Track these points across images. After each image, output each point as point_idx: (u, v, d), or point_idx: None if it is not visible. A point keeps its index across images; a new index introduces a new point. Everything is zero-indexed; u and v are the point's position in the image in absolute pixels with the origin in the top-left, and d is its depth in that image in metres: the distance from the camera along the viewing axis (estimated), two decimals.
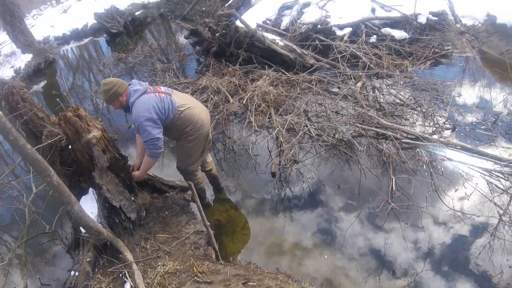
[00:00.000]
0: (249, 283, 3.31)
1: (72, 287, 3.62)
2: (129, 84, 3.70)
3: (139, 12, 15.69)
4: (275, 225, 4.51)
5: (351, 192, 4.72)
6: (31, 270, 4.44)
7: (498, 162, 4.98)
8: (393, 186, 4.58)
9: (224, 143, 5.91)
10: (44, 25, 20.89)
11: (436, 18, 7.51)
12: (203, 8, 12.33)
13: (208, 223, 3.82)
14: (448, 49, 7.15)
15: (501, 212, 4.31)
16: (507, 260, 3.86)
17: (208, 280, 3.43)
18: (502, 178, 4.84)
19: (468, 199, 4.56)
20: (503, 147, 5.20)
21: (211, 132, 4.55)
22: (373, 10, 7.60)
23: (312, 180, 4.97)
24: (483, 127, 5.65)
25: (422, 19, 7.39)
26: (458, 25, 7.83)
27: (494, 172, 4.88)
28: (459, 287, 3.72)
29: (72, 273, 3.79)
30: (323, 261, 4.04)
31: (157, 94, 3.70)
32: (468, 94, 6.17)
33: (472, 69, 7.14)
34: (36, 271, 4.54)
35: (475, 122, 5.76)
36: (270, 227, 4.49)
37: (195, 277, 3.45)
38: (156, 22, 15.03)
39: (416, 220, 4.31)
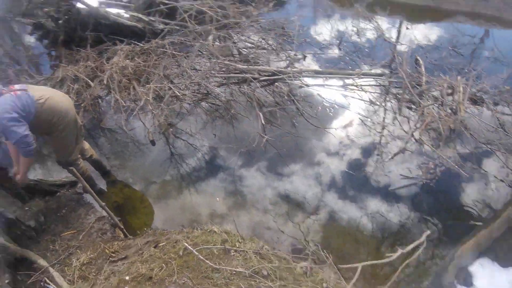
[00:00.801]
0: (160, 244, 3.57)
1: None
2: None
3: None
4: (170, 188, 4.78)
5: (228, 137, 5.11)
6: None
7: (349, 76, 5.71)
8: (262, 121, 5.05)
9: (98, 128, 5.90)
10: None
11: None
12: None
13: (103, 203, 3.99)
14: None
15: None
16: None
17: (122, 256, 3.64)
18: (356, 89, 5.58)
19: (331, 114, 5.23)
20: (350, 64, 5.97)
21: (81, 119, 4.56)
22: None
23: (191, 137, 5.27)
24: (330, 50, 6.36)
25: None
26: None
27: (348, 86, 5.61)
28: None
29: None
30: (218, 204, 4.42)
31: (12, 93, 3.62)
32: (311, 25, 6.84)
33: (310, 2, 7.88)
34: None
35: (323, 47, 6.45)
36: (167, 191, 4.75)
37: (110, 258, 3.64)
38: None
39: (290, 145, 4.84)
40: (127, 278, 3.18)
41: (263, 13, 7.10)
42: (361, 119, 5.22)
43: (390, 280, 3.36)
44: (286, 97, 5.46)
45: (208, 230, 3.65)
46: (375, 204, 4.35)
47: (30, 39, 9.62)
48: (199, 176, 4.90)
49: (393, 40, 6.75)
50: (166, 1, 7.39)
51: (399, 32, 7.26)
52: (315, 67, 6.02)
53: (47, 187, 4.64)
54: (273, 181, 4.66)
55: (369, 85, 5.70)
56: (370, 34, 6.93)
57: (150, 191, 4.83)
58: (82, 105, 5.98)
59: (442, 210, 4.35)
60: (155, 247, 3.54)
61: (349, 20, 7.30)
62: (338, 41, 6.55)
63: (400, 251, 3.59)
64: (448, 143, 4.99)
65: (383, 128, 5.13)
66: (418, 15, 8.22)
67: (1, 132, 3.63)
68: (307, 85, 5.52)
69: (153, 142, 5.25)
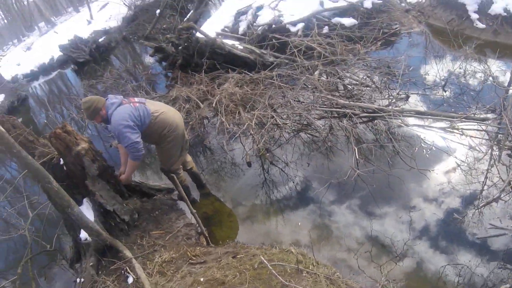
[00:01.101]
0: (238, 256, 3.84)
1: None
2: (106, 99, 4.23)
3: (102, 39, 16.27)
4: (259, 208, 5.05)
5: (322, 169, 5.29)
6: (39, 284, 4.89)
7: (451, 119, 5.64)
8: (356, 155, 5.17)
9: (201, 145, 6.46)
10: (10, 64, 21.27)
11: (381, 1, 8.25)
12: (164, 26, 12.92)
13: (194, 210, 4.40)
14: (396, 28, 7.89)
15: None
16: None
17: (202, 260, 3.96)
18: (456, 132, 5.49)
19: (427, 156, 5.20)
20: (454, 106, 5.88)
21: (187, 134, 5.10)
22: (321, 3, 8.28)
23: (285, 164, 5.54)
24: (434, 91, 6.33)
25: (367, 4, 8.12)
26: (403, 4, 8.59)
27: (448, 129, 5.53)
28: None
29: (78, 280, 4.27)
30: (300, 229, 4.60)
31: (131, 104, 4.23)
32: (419, 65, 6.88)
33: (420, 42, 7.91)
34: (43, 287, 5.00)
35: (427, 88, 6.45)
36: (254, 212, 5.03)
37: (190, 260, 3.97)
38: (120, 45, 15.61)
39: (382, 182, 4.90)
40: (201, 279, 3.49)
41: (370, 52, 7.27)
42: (457, 164, 5.10)
43: None
44: (384, 135, 5.53)
45: (286, 250, 3.84)
46: (464, 256, 4.20)
47: (150, 60, 10.80)
48: (288, 205, 5.05)
49: (502, 84, 6.51)
50: (278, 36, 7.94)
51: (508, 76, 6.98)
52: (418, 107, 6.02)
53: (146, 190, 5.20)
54: (362, 220, 4.61)
55: (471, 129, 5.56)
56: (478, 77, 6.76)
57: (238, 210, 5.14)
58: (190, 123, 6.61)
59: None
60: (233, 257, 3.80)
61: (457, 61, 7.18)
62: (443, 83, 6.48)
63: None
64: None
65: (486, 177, 4.95)
66: None
67: (116, 136, 4.21)
68: (407, 125, 5.51)
69: (249, 164, 5.63)
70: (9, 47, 35.69)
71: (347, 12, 8.09)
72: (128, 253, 4.13)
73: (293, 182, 5.29)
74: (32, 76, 17.50)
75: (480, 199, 4.63)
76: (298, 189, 5.22)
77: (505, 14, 7.99)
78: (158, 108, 4.43)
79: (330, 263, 4.04)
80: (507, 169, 4.85)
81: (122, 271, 4.04)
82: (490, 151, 5.22)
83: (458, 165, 5.05)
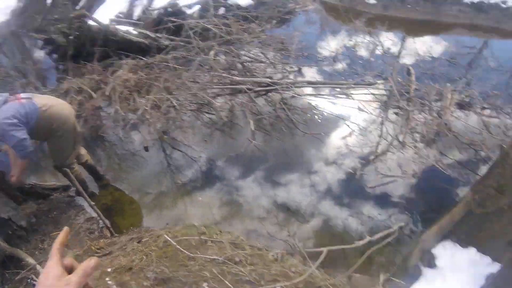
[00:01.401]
0: (143, 240, 3.76)
1: None
2: None
3: None
4: (165, 194, 4.93)
5: (220, 142, 5.31)
6: None
7: (341, 86, 5.98)
8: (252, 127, 5.24)
9: (96, 136, 6.12)
10: None
11: None
12: (56, 16, 12.04)
13: (93, 203, 4.23)
14: (290, 6, 8.08)
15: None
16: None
17: (107, 252, 3.83)
18: (346, 97, 5.83)
19: (319, 121, 5.43)
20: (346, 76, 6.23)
21: (80, 127, 4.81)
22: None
23: (184, 144, 5.45)
24: (326, 63, 6.62)
25: None
26: None
27: (338, 95, 5.85)
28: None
29: None
30: (210, 208, 4.56)
31: (17, 101, 3.89)
32: (313, 40, 7.12)
33: (314, 19, 8.20)
34: None
35: (319, 60, 6.72)
36: (162, 198, 4.90)
37: (95, 254, 3.80)
38: (9, 41, 14.34)
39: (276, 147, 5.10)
40: (109, 270, 3.34)
41: (265, 30, 7.37)
42: (348, 126, 5.42)
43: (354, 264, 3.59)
44: (278, 106, 5.66)
45: (189, 225, 3.85)
46: (364, 206, 4.51)
47: (40, 53, 10.04)
48: (195, 186, 5.02)
49: (388, 52, 7.02)
50: (174, 19, 7.73)
51: (396, 45, 7.54)
52: (310, 79, 6.25)
53: (41, 190, 4.87)
54: (269, 190, 4.76)
55: (360, 94, 5.94)
56: (367, 48, 7.21)
57: (144, 199, 4.97)
58: (83, 114, 6.22)
59: (425, 206, 4.56)
60: (138, 242, 3.70)
61: (348, 35, 7.58)
62: (334, 55, 6.82)
63: (368, 238, 3.87)
64: (431, 144, 5.26)
65: (380, 135, 5.32)
66: (417, 28, 8.60)
67: (1, 136, 3.86)
68: (299, 95, 5.72)
69: (146, 149, 5.46)
70: None
71: None
72: (31, 260, 3.88)
73: (198, 163, 5.25)
74: None
75: (374, 155, 5.01)
76: (203, 169, 5.19)
77: None
78: (46, 102, 4.13)
79: (244, 235, 4.08)
80: (394, 126, 5.30)
81: (28, 280, 3.80)
82: (379, 111, 5.64)
83: (350, 128, 5.37)
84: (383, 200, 4.61)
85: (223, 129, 5.54)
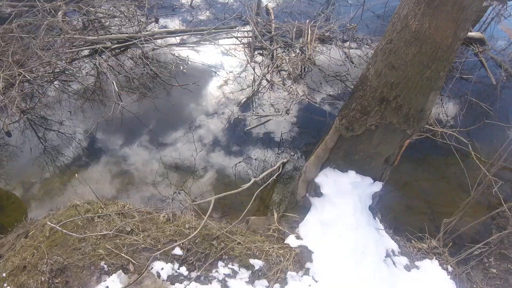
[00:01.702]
0: (30, 233, 3.63)
1: None
2: None
3: None
4: (49, 181, 4.67)
5: (83, 109, 5.15)
6: None
7: (203, 32, 5.97)
8: (115, 87, 5.14)
9: None
10: None
11: None
12: None
13: None
14: None
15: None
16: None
17: None
18: (209, 43, 5.84)
19: (184, 71, 5.43)
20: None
21: None
22: None
23: (48, 117, 5.22)
24: (183, 10, 6.54)
25: None
26: None
27: (201, 43, 5.86)
28: None
29: None
30: (93, 181, 4.44)
31: None
32: None
33: None
34: None
35: (176, 7, 6.60)
36: (40, 183, 4.66)
37: None
38: None
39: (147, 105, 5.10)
40: (4, 275, 3.24)
41: None
42: (216, 73, 5.52)
43: (247, 207, 3.69)
44: (140, 61, 5.58)
45: (72, 205, 3.74)
46: (250, 150, 4.73)
47: None
48: (80, 165, 4.80)
49: None
50: None
51: None
52: (169, 28, 6.17)
53: None
54: (157, 153, 4.74)
55: (222, 38, 6.01)
56: None
57: (29, 190, 4.68)
58: None
59: (304, 139, 4.93)
60: (25, 237, 3.60)
61: None
62: (189, 1, 6.75)
63: (253, 180, 4.03)
64: (299, 80, 5.56)
65: (255, 79, 5.49)
66: None
67: None
68: (160, 47, 5.65)
69: (8, 134, 5.14)
70: None
71: None
72: None
73: (75, 139, 5.02)
74: None
75: (245, 98, 5.19)
76: (84, 144, 4.95)
77: None
78: None
79: (142, 204, 4.05)
80: (260, 66, 5.50)
81: None
82: (244, 54, 5.79)
83: (219, 75, 5.46)
84: (266, 141, 4.85)
85: (93, 97, 5.34)
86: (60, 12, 6.25)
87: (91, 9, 6.26)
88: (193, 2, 6.70)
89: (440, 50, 2.78)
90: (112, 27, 6.03)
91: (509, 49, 6.98)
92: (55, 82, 5.51)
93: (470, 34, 6.85)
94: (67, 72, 5.50)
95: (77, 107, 5.22)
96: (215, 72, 5.58)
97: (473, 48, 6.69)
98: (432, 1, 2.64)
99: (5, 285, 3.15)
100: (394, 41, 2.90)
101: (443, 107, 5.57)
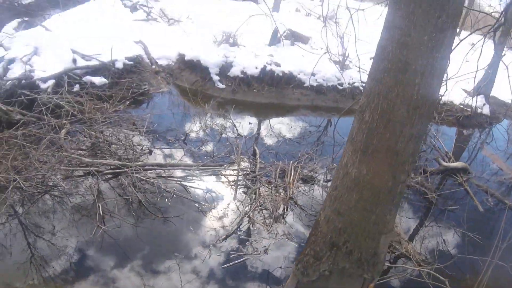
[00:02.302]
0: None
1: None
2: None
3: None
4: (28, 284, 4.70)
5: (64, 230, 5.50)
6: None
7: (189, 168, 6.72)
8: (101, 211, 5.65)
9: None
10: None
11: (132, 62, 9.15)
12: None
13: None
14: (145, 88, 8.87)
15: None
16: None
17: None
18: (196, 179, 6.54)
19: (169, 204, 6.02)
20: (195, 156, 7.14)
21: None
22: (74, 61, 8.66)
23: (29, 228, 5.56)
24: (176, 145, 7.39)
25: (119, 65, 8.92)
26: (153, 66, 9.68)
27: (189, 178, 6.55)
28: None
29: None
30: None
31: None
32: (164, 122, 7.94)
33: (168, 101, 9.07)
34: None
35: (170, 142, 7.47)
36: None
37: None
38: None
39: (128, 233, 5.50)
40: None
41: (119, 110, 7.96)
42: (199, 207, 6.11)
43: None
44: (129, 189, 6.18)
45: None
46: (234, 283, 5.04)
47: None
48: (67, 280, 4.82)
49: (236, 134, 8.15)
50: (27, 92, 7.91)
51: (244, 127, 8.81)
52: (162, 160, 6.95)
53: None
54: (149, 280, 4.89)
55: (210, 175, 6.78)
56: (217, 130, 8.26)
57: None
58: None
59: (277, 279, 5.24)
60: None
61: (199, 117, 8.56)
62: (184, 137, 7.66)
63: None
64: (279, 219, 6.10)
65: (246, 213, 6.03)
66: (264, 111, 10.14)
67: None
68: (148, 179, 6.31)
69: None
70: None
71: (99, 71, 8.69)
72: None
73: (66, 253, 5.16)
74: None
75: (225, 235, 5.66)
76: (74, 259, 5.08)
77: (242, 75, 9.90)
78: None
79: None
80: (242, 204, 6.13)
81: None
82: (230, 189, 6.49)
83: (202, 209, 6.06)
84: (242, 279, 5.12)
85: (69, 212, 5.78)
86: (63, 130, 7.04)
87: (92, 132, 7.08)
88: (187, 138, 7.62)
89: (382, 194, 2.88)
90: (107, 152, 6.74)
91: (493, 174, 7.90)
92: (46, 195, 6.02)
93: (452, 164, 7.93)
94: (59, 187, 6.03)
95: (62, 222, 5.60)
96: (199, 207, 6.13)
97: (457, 178, 7.60)
98: (367, 149, 2.82)
99: None
100: (338, 188, 3.05)
101: (426, 240, 6.27)
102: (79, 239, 5.34)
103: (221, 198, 6.52)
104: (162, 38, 11.36)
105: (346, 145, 3.12)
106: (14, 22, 11.26)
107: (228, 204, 6.40)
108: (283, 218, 6.24)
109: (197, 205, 6.19)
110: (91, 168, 6.25)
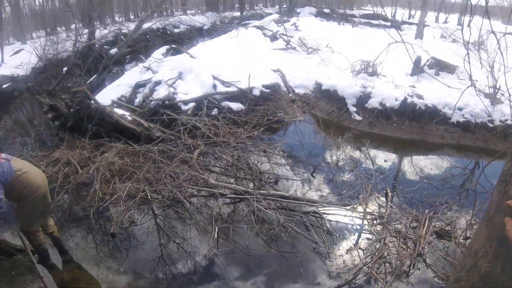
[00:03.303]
0: None
1: None
2: None
3: (6, 85, 15.85)
4: (114, 279, 5.08)
5: (178, 246, 5.54)
6: None
7: (313, 204, 6.25)
8: (215, 234, 5.52)
9: (71, 210, 6.47)
10: None
11: (269, 90, 9.22)
12: (69, 84, 13.01)
13: (42, 275, 4.44)
14: (280, 116, 8.77)
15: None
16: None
17: None
18: (317, 216, 6.06)
19: (285, 238, 5.64)
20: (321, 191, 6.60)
21: (52, 197, 5.23)
22: (214, 87, 9.04)
23: (146, 237, 5.72)
24: (304, 176, 7.02)
25: (256, 92, 9.06)
26: (290, 95, 9.62)
27: (311, 214, 6.10)
28: None
29: None
30: None
31: None
32: (295, 151, 7.65)
33: (302, 130, 8.81)
34: None
35: (298, 173, 7.14)
36: (110, 282, 5.04)
37: None
38: (23, 96, 15.27)
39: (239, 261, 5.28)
40: None
41: (253, 136, 7.96)
42: (315, 248, 5.55)
43: None
44: (247, 217, 5.96)
45: None
46: None
47: (45, 116, 10.71)
48: (191, 280, 5.07)
49: (370, 172, 7.35)
50: (169, 112, 8.43)
51: (379, 164, 7.95)
52: (284, 191, 6.60)
53: (6, 248, 5.17)
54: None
55: (332, 214, 6.21)
56: (349, 165, 7.60)
57: (98, 276, 5.14)
58: (66, 187, 6.66)
59: None
60: None
61: (332, 150, 8.09)
62: (312, 169, 7.24)
63: None
64: (402, 278, 5.10)
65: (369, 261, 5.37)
66: (402, 147, 8.99)
67: None
68: (270, 209, 5.96)
69: (113, 235, 5.72)
70: None
71: (237, 98, 8.90)
72: None
73: (193, 257, 5.37)
74: None
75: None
76: (202, 264, 5.27)
77: (380, 107, 9.23)
78: (22, 166, 4.53)
79: None
80: (363, 252, 5.40)
81: None
82: (353, 233, 5.81)
83: (316, 249, 5.51)
84: None
85: (186, 228, 5.82)
86: (197, 151, 7.21)
87: (223, 156, 7.14)
88: (315, 171, 7.20)
89: None
90: (234, 178, 6.69)
91: None
92: (169, 209, 6.14)
93: None
94: (183, 204, 6.09)
95: (178, 238, 5.65)
96: (315, 248, 5.49)
97: None
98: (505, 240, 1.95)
99: None
100: (462, 280, 2.34)
101: None
102: (190, 257, 5.31)
103: (341, 241, 5.77)
104: (300, 66, 11.33)
105: (480, 226, 2.30)
106: (163, 49, 12.49)
107: (348, 250, 5.61)
108: (407, 276, 5.19)
109: (313, 245, 5.64)
110: (215, 190, 6.20)
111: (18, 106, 14.52)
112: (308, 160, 7.48)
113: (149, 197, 6.16)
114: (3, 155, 4.51)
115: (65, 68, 13.73)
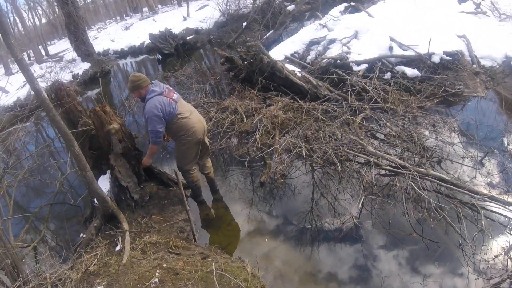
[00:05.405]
0: (206, 258, 4.57)
1: (79, 244, 5.06)
2: (151, 83, 5.13)
3: (190, 37, 18.10)
4: (254, 225, 5.67)
5: (322, 208, 5.77)
6: (49, 228, 6.12)
7: (473, 194, 5.67)
8: (360, 204, 5.57)
9: (229, 154, 7.27)
10: (106, 38, 24.31)
11: (450, 58, 8.48)
12: (248, 39, 14.09)
13: (188, 208, 5.20)
14: (459, 88, 8.01)
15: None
16: None
17: (178, 252, 4.74)
18: (474, 210, 5.52)
19: (431, 225, 5.35)
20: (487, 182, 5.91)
21: (216, 141, 6.18)
22: (390, 49, 8.74)
23: (294, 193, 6.12)
24: (471, 161, 6.35)
25: (435, 59, 8.40)
26: (474, 66, 8.69)
27: (468, 205, 5.56)
28: None
29: (82, 234, 5.27)
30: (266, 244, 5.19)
31: (168, 98, 5.08)
32: (469, 131, 6.90)
33: (484, 108, 7.85)
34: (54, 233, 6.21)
35: (465, 156, 6.51)
36: (250, 227, 5.65)
37: (169, 249, 4.79)
38: (205, 47, 17.17)
39: (377, 236, 5.24)
40: (164, 265, 4.29)
41: (425, 107, 7.53)
42: (461, 244, 5.08)
43: None
44: (398, 193, 5.76)
45: (241, 262, 4.55)
46: None
47: (222, 67, 11.88)
48: (294, 236, 5.34)
49: None
50: (340, 72, 8.54)
51: None
52: (445, 173, 6.08)
53: (165, 179, 6.18)
54: (413, 277, 4.64)
55: (492, 211, 5.53)
56: None
57: (238, 220, 5.78)
58: (230, 133, 7.47)
59: None
60: (202, 258, 4.51)
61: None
62: (482, 155, 6.44)
63: None
64: None
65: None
66: None
67: (146, 118, 5.06)
68: (423, 189, 5.64)
69: (262, 184, 6.29)
70: (111, 22, 40.22)
71: (413, 63, 8.44)
72: (125, 226, 5.06)
73: (291, 210, 5.79)
74: (121, 55, 19.96)
75: None
76: (293, 219, 5.62)
77: None
78: (185, 110, 5.26)
79: None
80: None
81: (115, 239, 4.99)
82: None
83: (461, 245, 5.04)
84: None
85: (332, 191, 6.02)
86: (361, 114, 7.23)
87: (388, 124, 7.00)
88: (485, 158, 6.45)
89: None
90: (394, 149, 6.53)
91: None
92: (319, 169, 6.43)
93: None
94: (336, 167, 6.24)
95: (324, 198, 5.92)
96: (461, 243, 4.84)
97: None
98: None
99: (157, 273, 4.15)
100: None
101: None
102: (330, 218, 5.53)
103: (493, 243, 5.01)
104: (489, 35, 10.07)
105: None
106: (341, 6, 12.42)
107: (497, 255, 4.82)
108: None
109: (460, 240, 5.14)
110: (371, 159, 6.19)
111: (199, 56, 16.41)
112: (481, 144, 6.70)
113: (304, 154, 6.49)
114: (175, 95, 5.24)
115: (244, 23, 14.89)
